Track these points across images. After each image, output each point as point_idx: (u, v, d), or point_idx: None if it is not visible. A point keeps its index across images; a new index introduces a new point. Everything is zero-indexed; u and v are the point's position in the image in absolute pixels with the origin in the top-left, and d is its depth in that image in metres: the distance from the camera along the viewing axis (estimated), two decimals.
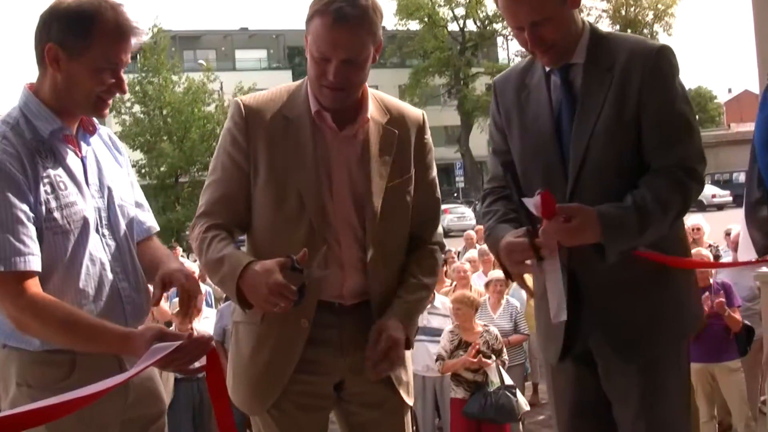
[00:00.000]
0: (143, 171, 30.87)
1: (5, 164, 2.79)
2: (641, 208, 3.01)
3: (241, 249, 3.19)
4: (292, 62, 69.52)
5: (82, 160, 3.06)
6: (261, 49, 68.56)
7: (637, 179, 3.10)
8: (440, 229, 3.47)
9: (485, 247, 13.10)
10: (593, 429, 3.41)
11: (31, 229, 2.79)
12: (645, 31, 63.94)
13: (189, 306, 3.13)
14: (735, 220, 13.79)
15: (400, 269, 3.31)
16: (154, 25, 33.44)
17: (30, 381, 2.89)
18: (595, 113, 3.14)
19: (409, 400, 3.39)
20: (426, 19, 62.64)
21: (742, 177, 45.88)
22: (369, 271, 3.20)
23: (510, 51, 68.24)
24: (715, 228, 14.16)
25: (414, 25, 64.37)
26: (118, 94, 3.12)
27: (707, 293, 7.42)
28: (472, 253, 12.74)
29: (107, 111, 3.10)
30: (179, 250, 18.66)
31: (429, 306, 8.61)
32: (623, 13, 64.16)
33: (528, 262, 3.12)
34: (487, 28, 64.77)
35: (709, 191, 43.05)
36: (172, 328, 8.67)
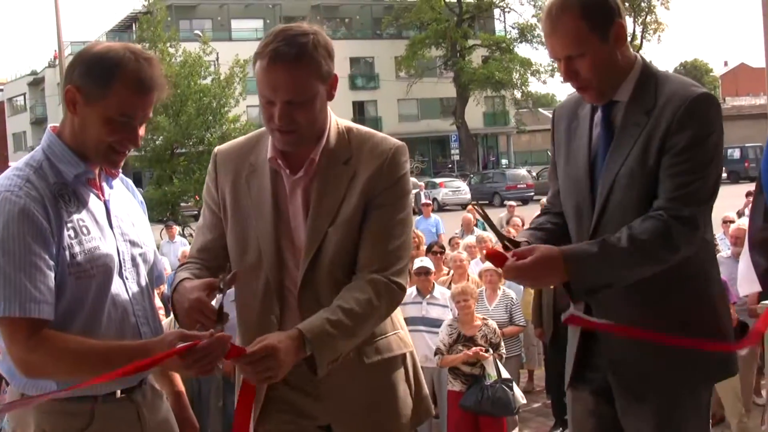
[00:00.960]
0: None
1: (29, 209, 2.79)
2: (607, 242, 3.00)
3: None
4: None
5: (105, 203, 3.08)
6: (257, 19, 68.13)
7: None
8: (390, 269, 3.10)
9: (484, 234, 13.14)
10: None
11: (49, 277, 2.79)
12: (643, 4, 63.64)
13: None
14: (729, 196, 13.78)
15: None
16: None
17: (48, 431, 2.91)
18: (624, 155, 3.13)
19: None
20: None
21: (737, 153, 46.35)
22: (303, 314, 3.03)
23: (507, 23, 67.99)
24: None
25: None
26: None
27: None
28: (470, 239, 12.73)
29: (120, 162, 3.08)
30: (176, 228, 18.66)
31: (428, 296, 8.67)
32: None
33: None
34: (485, 0, 64.45)
35: None
36: (171, 317, 8.71)
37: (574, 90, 3.32)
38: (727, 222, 11.45)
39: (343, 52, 67.05)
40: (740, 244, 7.77)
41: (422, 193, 33.23)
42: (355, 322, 2.96)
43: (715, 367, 3.28)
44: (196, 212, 40.39)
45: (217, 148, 3.38)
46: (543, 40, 3.28)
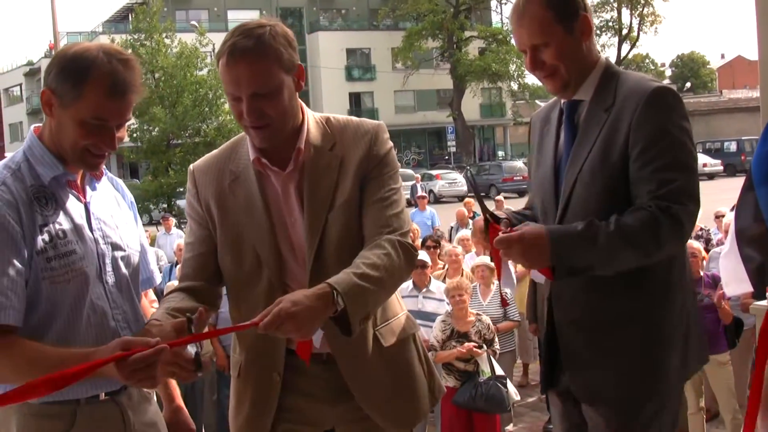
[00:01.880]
0: (135, 135, 30.69)
1: (1, 213, 2.76)
2: (593, 224, 3.00)
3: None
4: (285, 23, 67.86)
5: (86, 205, 3.04)
6: (253, 10, 67.82)
7: None
8: (399, 231, 3.08)
9: None
10: None
11: (17, 283, 2.75)
12: None
13: None
14: (726, 190, 13.79)
15: None
16: None
17: None
18: (586, 153, 3.15)
19: None
20: None
21: (733, 146, 46.38)
22: None
23: (504, 15, 67.91)
24: (707, 199, 14.12)
25: None
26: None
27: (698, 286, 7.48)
28: (464, 233, 12.72)
29: (98, 165, 3.03)
30: (172, 221, 18.63)
31: (424, 290, 8.65)
32: None
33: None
34: None
35: (700, 160, 42.88)
36: None
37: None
38: (719, 217, 11.38)
39: (339, 43, 67.12)
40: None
41: (418, 185, 33.21)
42: (379, 272, 2.89)
43: (668, 381, 3.20)
44: None
45: (192, 165, 3.33)
46: (516, 34, 3.28)
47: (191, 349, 2.74)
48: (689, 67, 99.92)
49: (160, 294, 8.89)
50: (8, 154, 3.11)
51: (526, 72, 62.67)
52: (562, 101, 3.36)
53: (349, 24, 71.60)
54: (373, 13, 70.17)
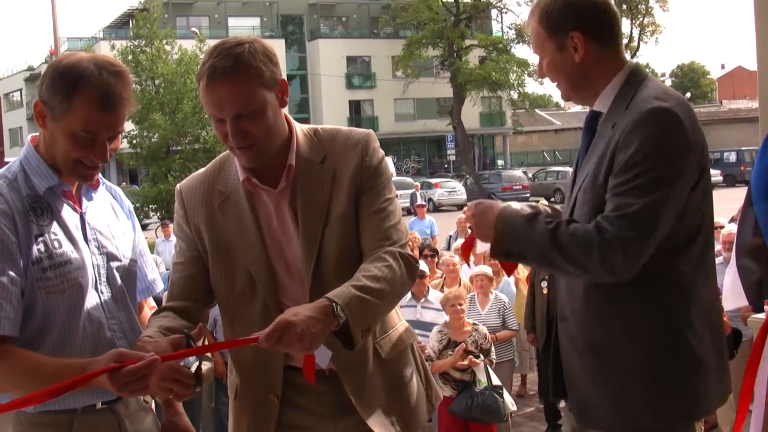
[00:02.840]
0: (134, 142, 30.69)
1: None
2: (537, 216, 3.03)
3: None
4: (285, 30, 69.16)
5: (82, 215, 3.04)
6: (254, 17, 68.12)
7: None
8: (398, 242, 3.06)
9: None
10: None
11: (13, 293, 2.75)
12: (640, 6, 63.64)
13: None
14: (725, 200, 13.73)
15: None
16: None
17: None
18: (586, 170, 3.11)
19: None
20: None
21: (733, 156, 46.45)
22: None
23: (504, 24, 68.04)
24: None
25: None
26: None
27: None
28: (461, 242, 12.68)
29: (92, 177, 3.02)
30: (171, 227, 18.59)
31: (422, 300, 8.65)
32: None
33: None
34: (482, 0, 64.42)
35: None
36: None
37: None
38: (717, 228, 11.31)
39: (339, 51, 67.19)
40: (731, 249, 7.75)
41: (418, 194, 33.22)
42: (381, 284, 2.86)
43: (663, 417, 3.03)
44: None
45: (179, 185, 3.26)
46: None
47: (192, 365, 2.72)
48: (689, 77, 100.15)
49: (160, 302, 8.88)
50: (8, 159, 3.12)
51: (527, 81, 62.87)
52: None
53: (350, 32, 71.65)
54: (373, 21, 70.23)
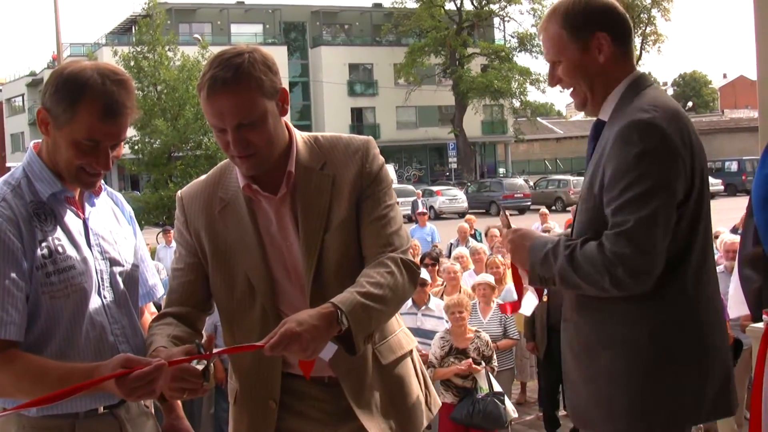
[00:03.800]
0: (136, 147, 30.69)
1: (1, 229, 2.79)
2: (558, 246, 3.07)
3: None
4: (288, 37, 69.22)
5: (85, 221, 3.06)
6: (257, 24, 68.22)
7: None
8: (399, 248, 3.09)
9: (477, 245, 13.12)
10: None
11: (18, 298, 2.77)
12: (642, 15, 63.76)
13: None
14: (726, 210, 13.76)
15: None
16: None
17: None
18: (587, 179, 3.15)
19: None
20: None
21: (734, 166, 46.44)
22: None
23: (506, 32, 68.09)
24: None
25: (411, 3, 64.24)
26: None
27: None
28: (461, 251, 12.67)
29: (94, 184, 3.04)
30: (173, 233, 18.60)
31: (423, 307, 8.66)
32: None
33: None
34: (484, 8, 64.56)
35: None
36: None
37: None
38: (717, 236, 11.30)
39: (342, 59, 67.23)
40: (733, 258, 7.76)
41: (419, 201, 33.20)
42: (383, 290, 2.89)
43: (688, 411, 3.08)
44: None
45: (180, 192, 3.28)
46: (542, 49, 3.37)
47: (198, 365, 2.75)
48: (691, 87, 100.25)
49: (160, 307, 8.89)
50: (9, 164, 3.13)
51: (528, 89, 62.91)
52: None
53: (352, 39, 71.73)
54: (376, 29, 70.34)
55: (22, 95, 75.80)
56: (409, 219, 27.94)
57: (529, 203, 43.72)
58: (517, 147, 75.99)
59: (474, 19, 64.80)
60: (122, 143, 2.99)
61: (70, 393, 2.55)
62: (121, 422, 3.05)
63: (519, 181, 49.26)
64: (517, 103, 66.11)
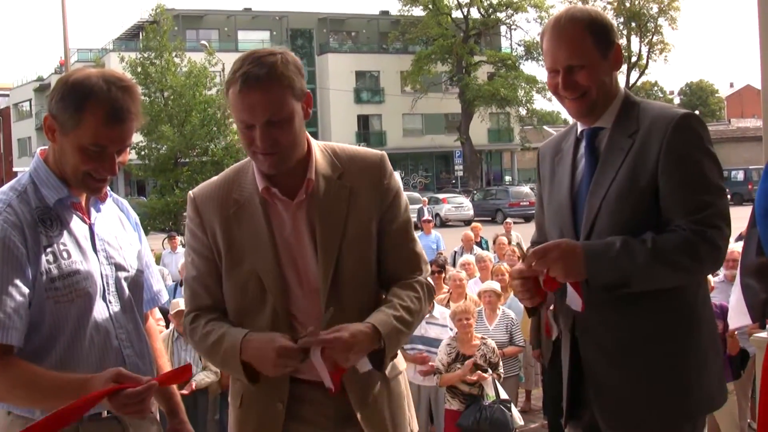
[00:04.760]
0: (143, 153, 30.73)
1: (6, 235, 2.81)
2: (629, 240, 3.04)
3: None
4: (295, 44, 69.29)
5: (90, 226, 3.07)
6: (264, 31, 68.28)
7: None
8: (426, 271, 3.28)
9: (483, 253, 13.12)
10: None
11: (20, 303, 2.79)
12: (649, 24, 63.75)
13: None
14: (733, 219, 13.71)
15: None
16: (157, 5, 33.25)
17: None
18: (611, 178, 3.17)
19: None
20: (430, 6, 62.44)
21: (740, 175, 46.38)
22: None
23: (513, 40, 68.11)
24: None
25: (418, 11, 64.22)
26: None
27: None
28: (467, 258, 12.67)
29: (100, 189, 3.06)
30: (178, 239, 18.62)
31: (427, 315, 8.65)
32: (627, 5, 63.92)
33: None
34: (491, 16, 64.61)
35: None
36: (171, 328, 8.72)
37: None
38: None
39: (348, 66, 67.27)
40: (735, 266, 7.75)
41: (425, 209, 33.19)
42: (412, 317, 3.11)
43: (702, 404, 3.27)
44: None
45: (192, 192, 3.28)
46: (555, 52, 3.30)
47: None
48: (698, 96, 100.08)
49: (165, 312, 8.92)
50: (16, 169, 3.15)
51: (535, 98, 62.93)
52: (579, 130, 3.39)
53: (359, 46, 71.77)
54: (382, 37, 70.43)
55: (30, 100, 75.95)
56: (415, 226, 27.91)
57: (534, 211, 43.64)
58: (523, 155, 75.89)
59: (481, 27, 64.84)
60: (128, 149, 3.01)
61: (65, 417, 2.58)
62: (124, 427, 3.06)
63: (525, 189, 49.17)
64: (523, 111, 66.11)
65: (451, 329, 8.26)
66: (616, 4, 63.69)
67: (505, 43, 69.24)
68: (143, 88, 31.21)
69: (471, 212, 43.30)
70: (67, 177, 2.96)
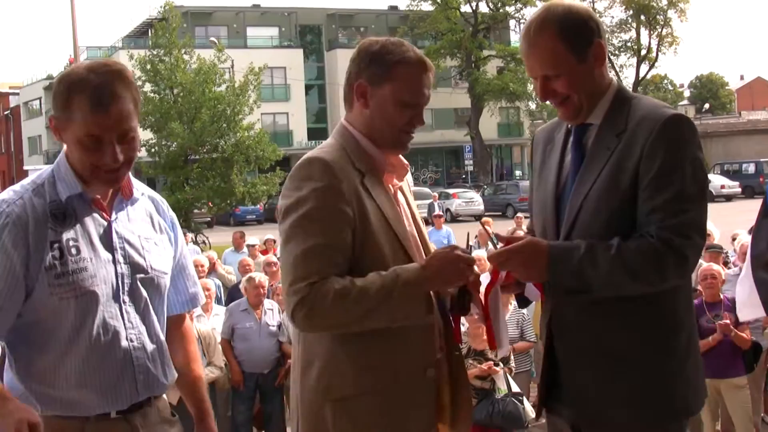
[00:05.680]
0: (153, 150, 30.78)
1: (4, 231, 2.81)
2: (595, 247, 2.97)
3: None
4: (304, 40, 69.29)
5: (110, 224, 3.03)
6: (273, 27, 68.27)
7: None
8: None
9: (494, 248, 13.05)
10: None
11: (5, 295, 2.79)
12: (659, 17, 63.54)
13: None
14: (744, 212, 13.63)
15: None
16: (166, 2, 33.23)
17: None
18: (593, 178, 3.09)
19: None
20: (438, 1, 62.35)
21: (751, 168, 46.28)
22: None
23: None
24: (725, 221, 13.89)
25: (426, 6, 64.15)
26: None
27: (716, 310, 7.46)
28: (478, 253, 12.61)
29: (117, 181, 3.01)
30: (189, 236, 18.60)
31: None
32: None
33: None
34: (500, 10, 64.46)
35: (718, 182, 42.89)
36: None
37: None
38: (734, 238, 11.23)
39: None
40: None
41: (435, 204, 33.20)
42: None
43: (684, 403, 3.18)
44: (209, 219, 40.34)
45: (319, 158, 3.09)
46: (527, 63, 3.25)
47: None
48: (708, 88, 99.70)
49: None
50: (27, 167, 3.15)
51: None
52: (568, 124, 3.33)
53: None
54: (391, 32, 70.26)
55: (39, 99, 76.03)
56: (425, 222, 27.92)
57: None
58: None
59: (490, 21, 64.73)
60: (133, 136, 2.93)
61: None
62: (134, 429, 3.02)
63: None
64: (533, 106, 66.02)
65: (463, 324, 8.23)
66: None
67: (514, 37, 69.05)
68: (152, 86, 31.30)
69: (481, 207, 43.28)
70: (80, 173, 2.94)
